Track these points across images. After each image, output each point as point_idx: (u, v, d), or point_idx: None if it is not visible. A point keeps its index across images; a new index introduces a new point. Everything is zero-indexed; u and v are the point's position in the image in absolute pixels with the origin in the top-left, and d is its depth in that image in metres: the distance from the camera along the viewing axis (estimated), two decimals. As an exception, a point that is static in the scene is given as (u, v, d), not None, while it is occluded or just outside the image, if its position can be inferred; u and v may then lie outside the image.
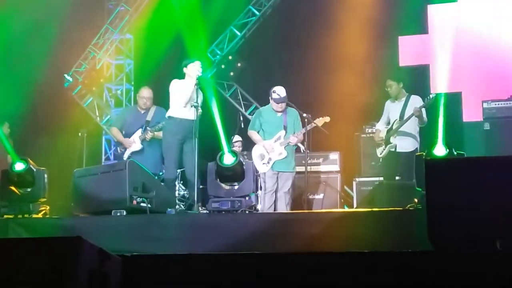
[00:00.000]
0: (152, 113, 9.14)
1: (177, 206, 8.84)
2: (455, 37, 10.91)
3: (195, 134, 8.03)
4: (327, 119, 8.65)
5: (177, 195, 9.45)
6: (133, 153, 9.04)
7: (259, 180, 8.94)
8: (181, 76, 8.60)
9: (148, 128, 9.03)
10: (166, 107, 8.73)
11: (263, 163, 8.59)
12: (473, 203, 4.84)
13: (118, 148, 9.32)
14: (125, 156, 9.07)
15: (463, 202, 4.86)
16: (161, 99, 9.55)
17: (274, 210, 8.41)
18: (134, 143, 9.05)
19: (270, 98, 8.67)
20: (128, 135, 9.15)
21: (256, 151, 8.69)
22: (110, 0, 12.66)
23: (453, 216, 4.87)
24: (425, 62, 11.18)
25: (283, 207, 8.45)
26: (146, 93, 9.27)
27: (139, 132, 9.04)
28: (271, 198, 8.48)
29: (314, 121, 8.58)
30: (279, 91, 8.55)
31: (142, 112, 9.20)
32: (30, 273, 3.95)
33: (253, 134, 8.76)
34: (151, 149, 9.13)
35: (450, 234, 4.88)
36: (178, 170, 9.00)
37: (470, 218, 4.83)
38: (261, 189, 8.75)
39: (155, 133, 9.01)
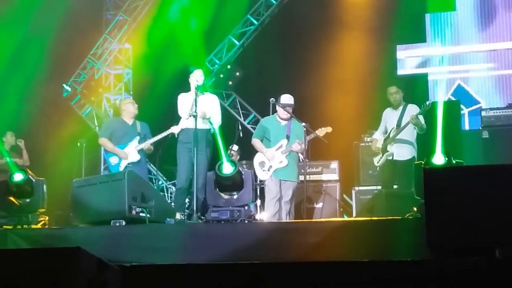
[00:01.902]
0: (139, 126, 9.13)
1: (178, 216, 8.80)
2: (452, 45, 10.99)
3: (195, 144, 8.04)
4: (329, 129, 8.61)
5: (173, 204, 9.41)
6: (130, 164, 8.99)
7: (259, 188, 8.92)
8: (182, 85, 8.68)
9: (147, 139, 8.98)
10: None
11: (263, 170, 8.61)
12: (472, 212, 4.84)
13: (110, 160, 9.05)
14: (122, 167, 8.96)
15: (462, 210, 4.86)
16: (159, 107, 9.58)
17: (278, 219, 8.40)
18: (130, 154, 8.99)
19: (277, 105, 8.68)
20: (117, 146, 9.07)
21: (257, 159, 8.72)
22: (109, 10, 12.68)
23: (452, 224, 4.88)
24: (423, 71, 11.22)
25: (283, 217, 8.43)
26: (132, 101, 9.41)
27: (135, 143, 8.97)
28: (276, 206, 8.47)
29: (316, 132, 8.56)
30: (287, 97, 8.62)
31: (130, 123, 9.15)
32: (29, 284, 3.95)
33: (256, 142, 8.77)
34: (145, 159, 9.18)
35: (449, 242, 4.88)
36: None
37: (469, 226, 4.83)
38: (261, 199, 8.73)
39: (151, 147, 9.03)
